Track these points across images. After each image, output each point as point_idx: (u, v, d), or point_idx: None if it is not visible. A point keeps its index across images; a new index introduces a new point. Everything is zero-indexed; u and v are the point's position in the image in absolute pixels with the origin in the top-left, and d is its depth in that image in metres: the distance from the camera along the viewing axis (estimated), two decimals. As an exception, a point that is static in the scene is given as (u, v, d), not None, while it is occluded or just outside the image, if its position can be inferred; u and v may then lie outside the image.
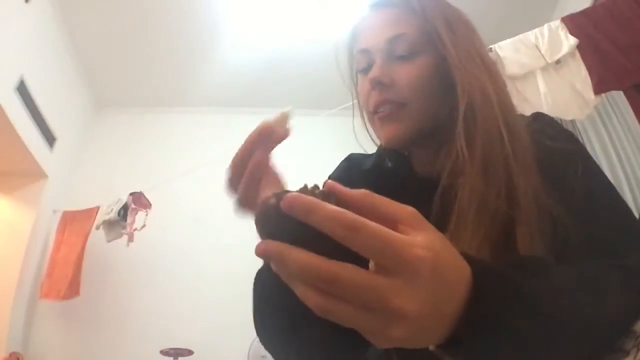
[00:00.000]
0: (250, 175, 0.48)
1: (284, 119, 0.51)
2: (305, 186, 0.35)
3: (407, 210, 0.34)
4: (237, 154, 0.49)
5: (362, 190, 0.35)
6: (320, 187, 0.35)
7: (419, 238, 0.32)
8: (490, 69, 0.64)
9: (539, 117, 0.68)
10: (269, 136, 0.49)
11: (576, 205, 0.54)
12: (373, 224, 0.31)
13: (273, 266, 0.33)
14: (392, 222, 0.33)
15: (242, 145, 0.49)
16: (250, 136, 0.49)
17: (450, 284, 0.34)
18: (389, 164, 0.73)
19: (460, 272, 0.35)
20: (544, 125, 0.65)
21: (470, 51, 0.64)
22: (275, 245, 0.32)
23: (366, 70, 0.67)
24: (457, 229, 0.54)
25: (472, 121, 0.59)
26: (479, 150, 0.57)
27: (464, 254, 0.36)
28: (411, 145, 0.68)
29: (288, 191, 0.33)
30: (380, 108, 0.65)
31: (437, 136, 0.64)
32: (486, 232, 0.53)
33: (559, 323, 0.39)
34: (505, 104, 0.62)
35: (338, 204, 0.32)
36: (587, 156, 0.64)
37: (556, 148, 0.60)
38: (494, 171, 0.56)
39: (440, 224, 0.51)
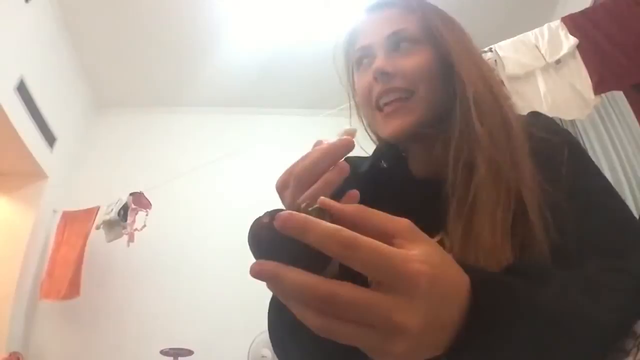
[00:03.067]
0: (319, 191, 0.44)
1: (352, 133, 0.48)
2: (298, 204, 0.34)
3: (402, 224, 0.34)
4: (305, 167, 0.45)
5: (356, 205, 0.34)
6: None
7: (416, 252, 0.32)
8: (485, 66, 0.67)
9: (534, 114, 0.70)
10: (337, 154, 0.45)
11: (571, 199, 0.55)
12: (369, 240, 0.31)
13: (269, 287, 0.33)
14: (387, 236, 0.33)
15: (310, 159, 0.46)
16: (319, 151, 0.46)
17: (449, 296, 0.34)
18: (384, 165, 0.73)
19: (458, 283, 0.35)
20: (539, 121, 0.67)
21: (467, 47, 0.67)
22: (270, 266, 0.31)
23: (368, 64, 0.67)
24: (477, 200, 0.54)
25: (477, 105, 0.61)
26: (487, 128, 0.58)
27: (461, 263, 0.36)
28: (416, 136, 0.66)
29: (280, 209, 0.32)
30: (385, 98, 0.65)
31: (437, 127, 0.65)
32: (504, 205, 0.53)
33: (559, 327, 0.39)
34: (503, 94, 0.65)
35: (332, 221, 0.32)
36: (582, 151, 0.64)
37: (549, 139, 0.61)
38: (502, 145, 0.57)
39: (460, 203, 0.52)
